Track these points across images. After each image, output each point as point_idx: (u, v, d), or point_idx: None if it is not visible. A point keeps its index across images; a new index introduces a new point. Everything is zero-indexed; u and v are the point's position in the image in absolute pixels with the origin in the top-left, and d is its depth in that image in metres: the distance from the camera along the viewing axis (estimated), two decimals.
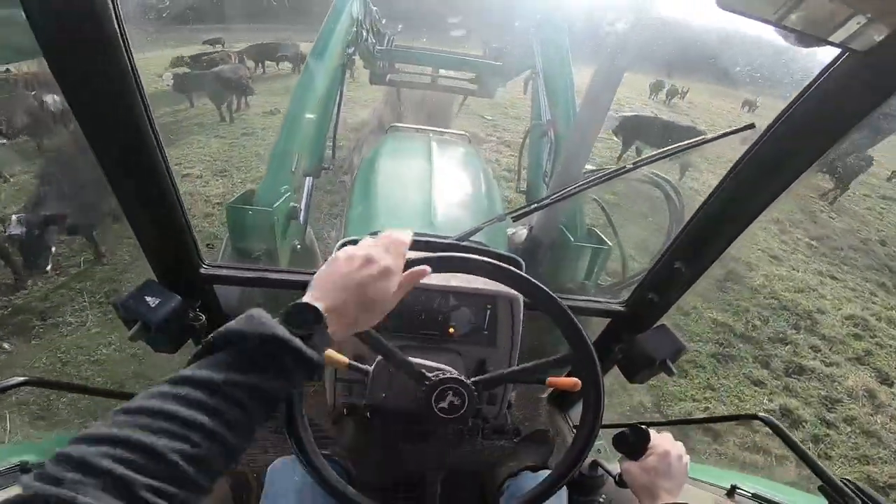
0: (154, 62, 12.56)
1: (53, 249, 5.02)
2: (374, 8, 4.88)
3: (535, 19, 3.87)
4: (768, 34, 0.86)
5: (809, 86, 1.10)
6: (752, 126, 1.32)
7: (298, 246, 3.12)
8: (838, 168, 11.07)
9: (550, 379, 1.31)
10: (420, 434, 1.38)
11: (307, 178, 3.41)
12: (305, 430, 1.07)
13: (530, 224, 2.92)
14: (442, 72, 6.01)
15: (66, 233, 5.32)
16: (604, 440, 2.02)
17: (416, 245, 1.83)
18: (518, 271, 1.18)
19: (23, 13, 0.89)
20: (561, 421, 2.22)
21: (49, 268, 4.99)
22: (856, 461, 4.46)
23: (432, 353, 1.46)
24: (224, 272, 1.67)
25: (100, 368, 4.24)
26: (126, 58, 1.01)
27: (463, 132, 4.86)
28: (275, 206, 2.67)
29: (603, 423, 1.17)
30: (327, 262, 0.95)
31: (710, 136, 1.44)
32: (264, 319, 0.76)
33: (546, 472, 1.39)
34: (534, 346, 2.19)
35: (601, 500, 1.71)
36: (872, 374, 5.67)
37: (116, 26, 0.96)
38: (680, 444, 1.19)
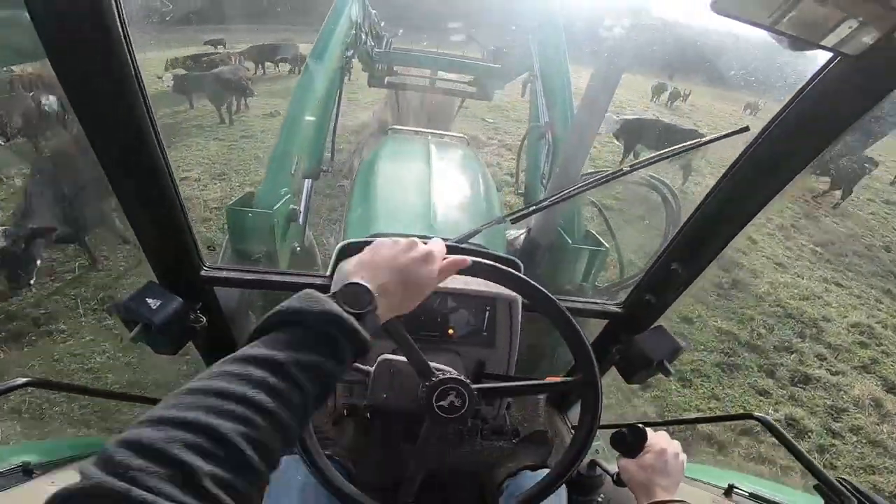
0: (155, 62, 12.49)
1: (39, 263, 4.89)
2: (373, 11, 4.90)
3: (533, 22, 3.89)
4: (768, 36, 0.87)
5: (802, 89, 1.12)
6: (746, 129, 1.34)
7: (298, 248, 3.14)
8: (841, 172, 11.00)
9: (549, 378, 1.32)
10: (418, 434, 1.40)
11: (306, 180, 3.42)
12: (309, 432, 1.09)
13: (528, 226, 2.94)
14: (440, 74, 6.03)
15: (56, 243, 5.24)
16: (601, 440, 2.03)
17: None
18: (517, 273, 1.19)
19: (25, 14, 0.90)
20: (559, 421, 2.23)
21: (33, 281, 4.84)
22: (861, 471, 4.42)
23: (431, 353, 1.47)
24: (225, 274, 1.69)
25: (93, 377, 4.16)
26: (129, 59, 1.03)
27: (461, 135, 4.88)
28: (275, 208, 2.68)
29: (601, 423, 1.19)
30: (369, 247, 0.97)
31: (703, 139, 1.46)
32: (321, 297, 0.77)
33: (545, 471, 1.41)
34: (532, 348, 2.21)
35: (599, 499, 1.72)
36: (879, 383, 5.61)
37: (120, 28, 0.97)
38: (676, 442, 1.21)
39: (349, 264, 0.95)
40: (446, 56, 5.91)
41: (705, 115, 19.74)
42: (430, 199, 2.69)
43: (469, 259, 1.06)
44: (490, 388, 1.20)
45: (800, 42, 0.83)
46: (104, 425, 3.58)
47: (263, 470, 0.58)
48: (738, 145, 1.33)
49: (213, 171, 8.10)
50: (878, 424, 4.96)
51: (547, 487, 1.22)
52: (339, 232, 3.16)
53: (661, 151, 1.53)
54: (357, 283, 0.83)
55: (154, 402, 1.88)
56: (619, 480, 1.25)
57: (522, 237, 3.02)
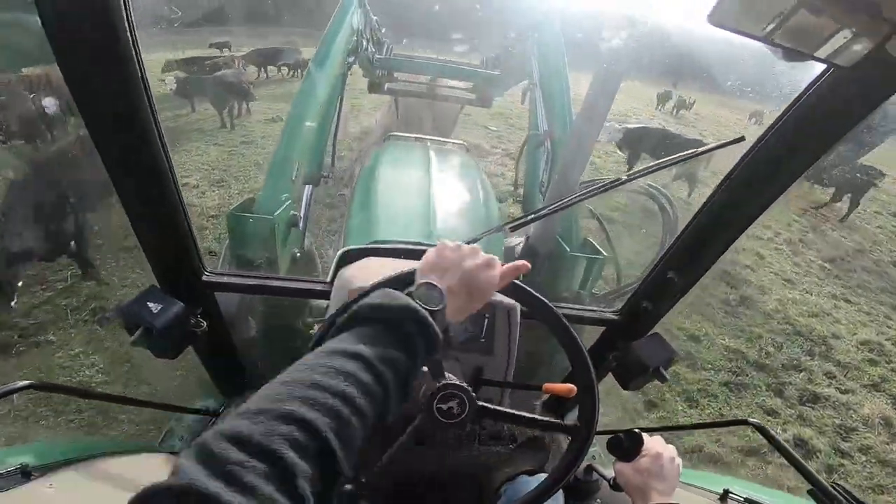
0: (157, 64, 12.43)
1: (21, 283, 4.78)
2: (375, 17, 4.91)
3: (532, 29, 3.90)
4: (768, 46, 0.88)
5: (797, 100, 1.14)
6: (741, 139, 1.35)
7: (298, 254, 3.14)
8: (847, 184, 10.94)
9: (546, 385, 1.33)
10: (418, 439, 1.41)
11: (307, 185, 3.43)
12: None
13: (527, 234, 2.95)
14: (440, 81, 6.05)
15: (42, 261, 5.13)
16: (598, 445, 2.04)
17: (416, 254, 1.87)
18: (516, 281, 1.20)
19: (31, 17, 0.92)
20: None
21: (14, 303, 4.70)
22: (870, 490, 4.37)
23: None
24: (226, 279, 1.70)
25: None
26: (136, 62, 1.05)
27: (461, 141, 4.89)
28: (276, 213, 2.69)
29: (597, 429, 1.20)
30: (433, 249, 1.01)
31: (699, 149, 1.47)
32: (399, 294, 0.80)
33: (542, 477, 1.41)
34: (531, 354, 2.21)
35: None
36: (889, 401, 5.53)
37: (128, 31, 0.99)
38: (672, 447, 1.22)
39: (421, 264, 0.99)
40: (446, 63, 5.93)
41: (710, 124, 19.62)
42: (430, 206, 2.71)
43: (528, 264, 1.06)
44: (490, 410, 1.20)
45: (794, 54, 0.84)
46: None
47: (346, 468, 0.58)
48: (737, 155, 1.35)
49: (212, 178, 8.02)
50: (887, 444, 4.89)
51: (544, 492, 1.23)
52: (339, 239, 3.17)
53: (658, 161, 1.55)
54: (430, 283, 0.86)
55: (155, 405, 1.88)
56: (615, 485, 1.26)
57: (521, 245, 3.03)
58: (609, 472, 1.34)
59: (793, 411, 5.12)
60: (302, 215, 3.16)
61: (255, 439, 0.51)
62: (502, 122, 13.77)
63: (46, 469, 1.14)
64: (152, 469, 1.43)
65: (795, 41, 0.82)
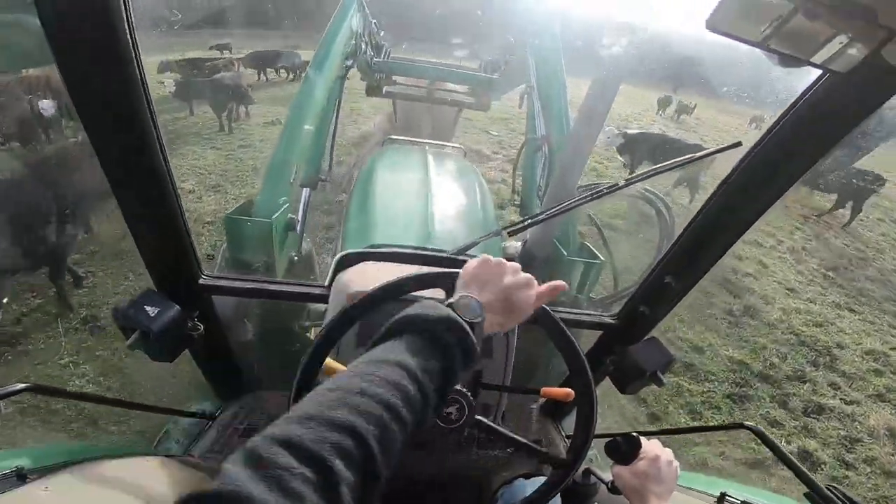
0: (155, 66, 12.14)
1: (6, 300, 4.64)
2: (373, 21, 4.92)
3: (530, 33, 3.91)
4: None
5: (793, 105, 1.15)
6: (738, 144, 1.36)
7: (296, 257, 3.14)
8: (848, 190, 10.85)
9: (544, 389, 1.34)
10: (418, 442, 1.41)
11: (304, 189, 3.43)
12: None
13: (524, 238, 2.96)
14: (438, 84, 6.05)
15: (26, 275, 4.93)
16: (595, 449, 2.04)
17: (414, 259, 1.87)
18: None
19: (31, 18, 0.92)
20: (553, 430, 2.24)
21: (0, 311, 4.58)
22: (874, 502, 4.36)
23: None
24: (223, 283, 1.71)
25: (70, 402, 3.85)
26: (135, 64, 1.06)
27: (459, 145, 4.89)
28: (273, 217, 2.69)
29: (595, 432, 1.20)
30: (474, 262, 1.00)
31: (697, 154, 1.48)
32: (440, 305, 0.81)
33: (539, 479, 1.41)
34: (528, 358, 2.22)
35: None
36: (894, 412, 5.49)
37: (127, 32, 1.00)
38: (669, 450, 1.22)
39: (461, 278, 0.99)
40: (444, 66, 5.94)
41: (711, 130, 19.46)
42: (428, 210, 2.71)
43: (565, 285, 1.07)
44: (483, 424, 1.21)
45: (790, 59, 0.85)
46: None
47: (383, 478, 0.59)
48: (735, 161, 1.35)
49: (209, 183, 7.93)
50: (892, 455, 4.85)
51: (543, 495, 1.23)
52: (337, 242, 3.17)
53: (656, 166, 1.56)
54: (470, 296, 0.88)
55: (152, 409, 1.87)
56: (613, 489, 1.26)
57: (519, 249, 3.03)
58: (607, 476, 1.34)
59: (797, 423, 5.09)
60: (299, 218, 3.16)
61: (305, 445, 0.52)
62: (503, 126, 13.60)
63: (42, 472, 1.14)
64: (148, 472, 1.43)
65: (791, 47, 0.83)
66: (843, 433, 5.02)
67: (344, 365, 1.27)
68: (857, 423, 5.21)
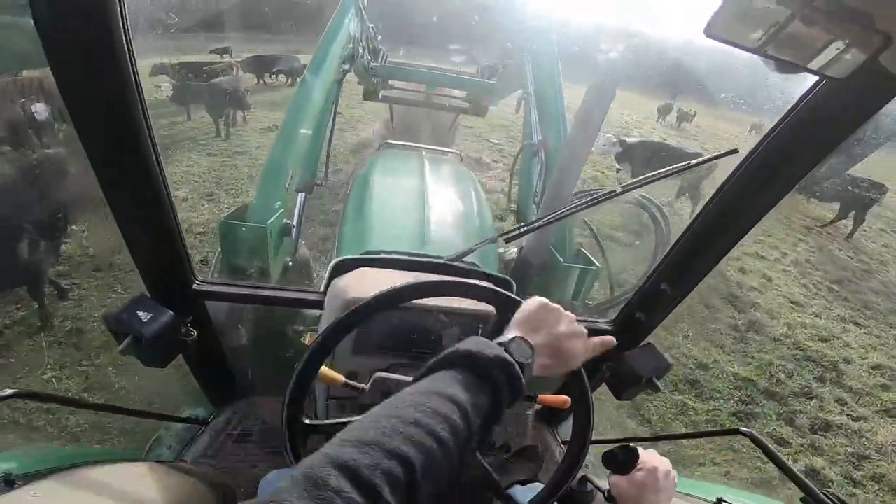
0: (149, 69, 12.09)
1: None
2: (371, 25, 4.93)
3: (528, 39, 3.92)
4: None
5: (790, 112, 1.15)
6: (735, 151, 1.36)
7: (290, 263, 3.13)
8: (850, 200, 10.76)
9: (541, 396, 1.33)
10: None
11: (300, 193, 3.43)
12: (304, 446, 1.10)
13: (520, 245, 2.96)
14: (435, 89, 6.07)
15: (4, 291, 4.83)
16: (592, 455, 2.03)
17: (410, 265, 1.87)
18: (509, 293, 1.21)
19: (27, 20, 0.91)
20: (549, 437, 2.24)
21: None
22: None
23: None
24: (217, 289, 1.70)
25: (52, 418, 3.75)
26: (130, 68, 1.05)
27: (456, 151, 4.90)
28: (268, 222, 2.68)
29: (592, 439, 1.20)
30: (532, 304, 1.01)
31: (693, 161, 1.48)
32: (492, 344, 0.84)
33: (535, 486, 1.41)
34: None
35: None
36: None
37: (123, 35, 1.00)
38: (667, 460, 1.21)
39: (516, 319, 0.99)
40: (441, 71, 5.95)
41: (711, 137, 19.43)
42: (424, 216, 2.71)
43: (615, 341, 1.09)
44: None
45: (787, 65, 0.85)
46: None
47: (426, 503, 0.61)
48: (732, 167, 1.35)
49: (203, 190, 7.78)
50: None
51: (540, 503, 1.22)
52: (333, 247, 3.16)
53: (653, 173, 1.56)
54: (523, 338, 0.89)
55: (144, 414, 1.86)
56: (610, 497, 1.25)
57: (515, 255, 3.03)
58: (603, 483, 1.33)
59: (804, 440, 5.02)
60: (295, 224, 3.15)
61: (360, 471, 0.54)
62: (503, 134, 13.50)
63: (30, 477, 1.13)
64: (139, 478, 1.42)
65: (788, 53, 0.83)
66: (850, 450, 4.96)
67: (339, 373, 1.26)
68: (864, 439, 5.14)
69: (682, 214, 8.80)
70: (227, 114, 10.61)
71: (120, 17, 0.97)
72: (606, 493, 1.28)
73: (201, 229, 6.54)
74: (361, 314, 1.17)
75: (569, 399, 1.25)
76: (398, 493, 0.55)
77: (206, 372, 2.11)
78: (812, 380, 5.96)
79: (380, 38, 5.56)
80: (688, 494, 1.63)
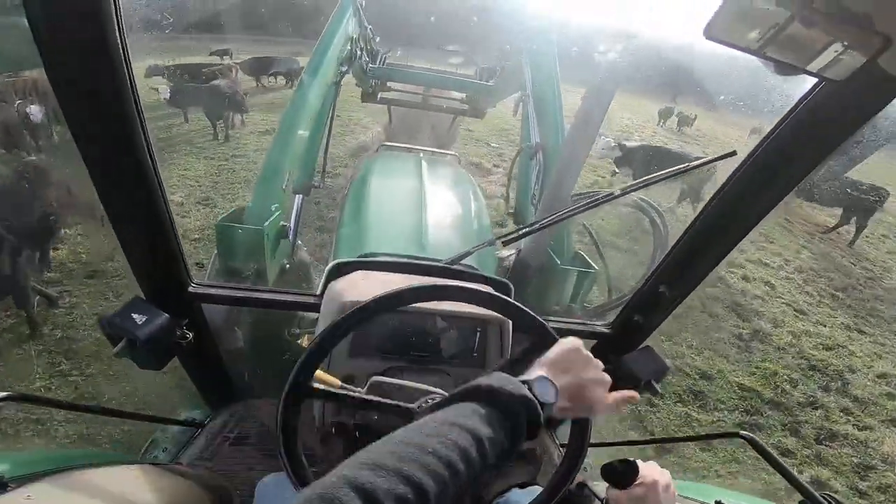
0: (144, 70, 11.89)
1: None
2: (369, 26, 4.93)
3: (526, 41, 3.92)
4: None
5: (788, 114, 1.15)
6: (733, 153, 1.36)
7: (287, 265, 3.12)
8: (852, 205, 10.66)
9: None
10: None
11: (297, 196, 3.42)
12: (298, 451, 1.10)
13: (518, 247, 2.95)
14: (433, 91, 6.06)
15: None
16: (590, 458, 2.03)
17: (407, 268, 1.86)
18: (505, 297, 1.21)
19: (23, 20, 0.91)
20: (547, 439, 2.24)
21: None
22: None
23: (422, 374, 1.49)
24: (212, 291, 1.70)
25: (41, 428, 3.65)
26: (125, 69, 1.05)
27: (453, 153, 4.90)
28: (265, 224, 2.67)
29: (590, 442, 1.20)
30: (566, 345, 1.02)
31: (691, 164, 1.48)
32: (517, 382, 0.85)
33: (533, 489, 1.41)
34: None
35: None
36: None
37: (118, 37, 0.99)
38: (667, 472, 1.21)
39: (545, 358, 1.00)
40: (440, 73, 5.95)
41: (712, 141, 19.20)
42: (422, 218, 2.70)
43: (638, 396, 1.09)
44: None
45: (786, 67, 0.85)
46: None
47: None
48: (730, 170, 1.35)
49: (198, 195, 7.65)
50: None
51: None
52: (330, 249, 3.16)
53: (650, 175, 1.56)
54: (549, 379, 0.90)
55: (140, 417, 1.85)
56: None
57: (513, 258, 3.03)
58: (601, 490, 1.33)
59: (809, 451, 4.98)
60: (292, 226, 3.15)
61: (375, 495, 0.56)
62: (504, 138, 13.31)
63: (24, 480, 1.12)
64: (134, 481, 1.41)
65: (788, 54, 0.83)
66: (856, 460, 4.92)
67: (335, 377, 1.26)
68: (870, 449, 5.09)
69: (685, 220, 8.69)
70: (226, 117, 10.53)
71: (115, 17, 0.97)
72: (604, 501, 1.28)
73: (196, 236, 6.45)
74: (356, 318, 1.17)
75: None
76: None
77: (203, 374, 2.11)
78: (817, 389, 5.91)
79: (378, 39, 5.56)
80: (686, 497, 1.63)
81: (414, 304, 1.20)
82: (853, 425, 5.40)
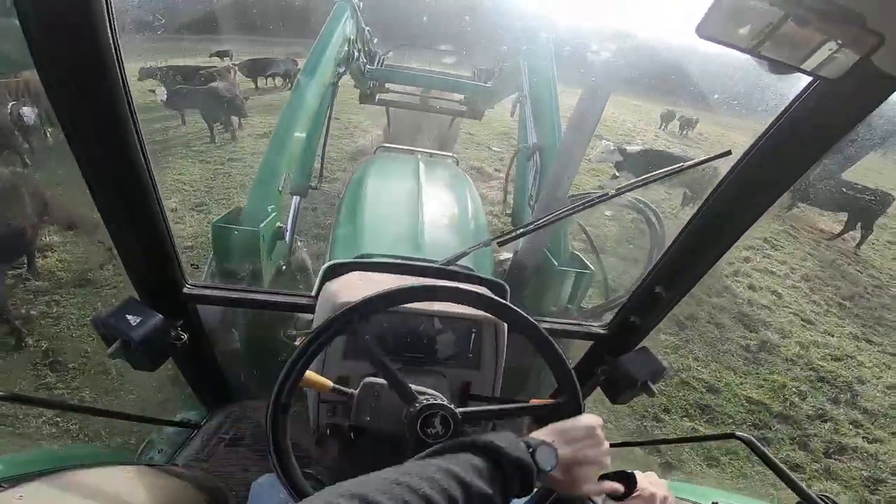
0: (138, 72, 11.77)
1: None
2: (367, 28, 4.93)
3: (523, 42, 3.92)
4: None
5: (783, 113, 1.15)
6: (728, 153, 1.37)
7: (283, 267, 3.12)
8: (856, 209, 10.61)
9: (533, 400, 1.32)
10: (404, 457, 1.40)
11: (294, 197, 3.42)
12: (288, 451, 1.09)
13: (515, 248, 2.96)
14: (431, 92, 6.07)
15: None
16: None
17: (403, 269, 1.87)
18: (501, 299, 1.21)
19: (15, 21, 0.91)
20: None
21: None
22: None
23: (417, 375, 1.49)
24: (208, 292, 1.70)
25: (28, 442, 3.61)
26: (117, 71, 1.05)
27: (451, 154, 4.90)
28: (261, 225, 2.67)
29: None
30: (584, 421, 1.04)
31: (687, 163, 1.49)
32: (521, 445, 0.88)
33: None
34: (518, 369, 2.21)
35: None
36: None
37: (110, 38, 1.00)
38: (665, 483, 1.21)
39: (553, 426, 1.03)
40: (437, 74, 5.95)
41: (714, 145, 18.77)
42: (419, 219, 2.70)
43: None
44: (474, 412, 1.20)
45: (780, 66, 0.85)
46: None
47: None
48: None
49: (193, 201, 7.51)
50: None
51: None
52: (326, 249, 3.16)
53: (645, 175, 1.57)
54: (553, 448, 0.92)
55: (136, 418, 1.85)
56: None
57: (509, 258, 3.03)
58: (599, 499, 1.33)
59: (819, 465, 4.91)
60: (288, 227, 3.15)
61: None
62: (505, 141, 13.18)
63: (17, 480, 1.12)
64: (129, 481, 1.41)
65: (782, 53, 0.84)
66: (865, 473, 4.85)
67: (328, 378, 1.26)
68: (880, 462, 5.03)
69: (685, 219, 8.67)
70: (225, 120, 10.49)
71: (107, 18, 0.97)
72: None
73: (189, 243, 6.37)
74: (345, 319, 1.16)
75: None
76: None
77: (198, 375, 2.11)
78: (826, 401, 5.84)
79: (375, 40, 5.56)
80: (683, 499, 1.63)
81: (406, 305, 1.19)
82: (863, 438, 5.35)
